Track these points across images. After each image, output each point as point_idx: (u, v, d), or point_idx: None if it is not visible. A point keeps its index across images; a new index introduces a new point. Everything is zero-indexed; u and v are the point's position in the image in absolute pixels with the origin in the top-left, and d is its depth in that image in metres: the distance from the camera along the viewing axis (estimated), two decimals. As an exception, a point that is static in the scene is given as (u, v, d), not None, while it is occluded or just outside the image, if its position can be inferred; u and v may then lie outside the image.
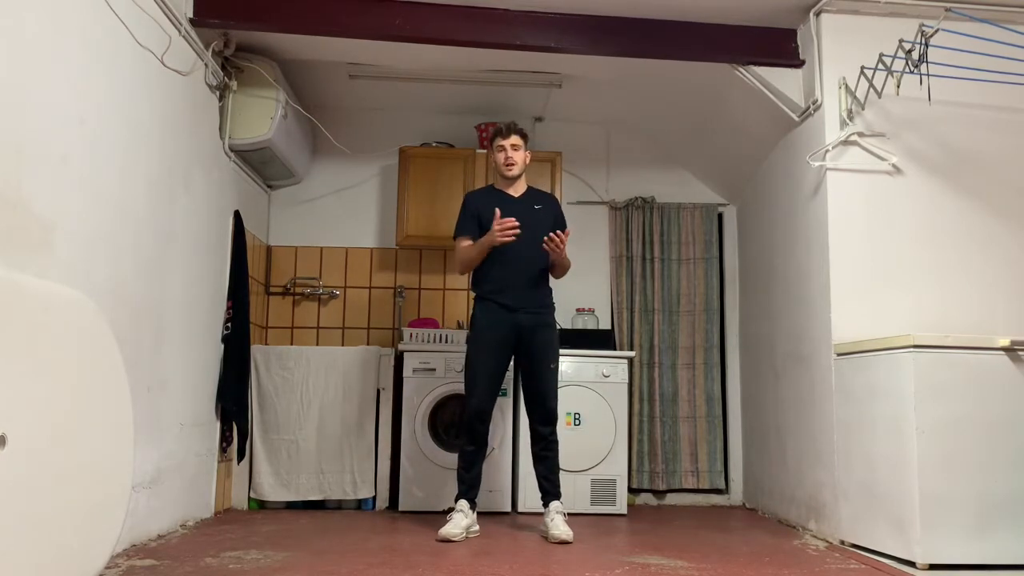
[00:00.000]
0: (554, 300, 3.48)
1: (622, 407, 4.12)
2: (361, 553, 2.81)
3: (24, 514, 1.74)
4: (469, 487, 3.32)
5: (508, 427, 4.02)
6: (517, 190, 3.46)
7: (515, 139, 3.38)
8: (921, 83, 3.20)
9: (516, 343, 3.36)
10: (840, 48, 3.51)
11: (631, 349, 4.65)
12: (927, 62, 3.09)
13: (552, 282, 3.53)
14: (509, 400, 4.03)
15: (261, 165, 4.20)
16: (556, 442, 3.36)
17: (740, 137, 4.33)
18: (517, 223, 3.21)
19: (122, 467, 2.18)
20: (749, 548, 3.14)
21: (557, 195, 4.46)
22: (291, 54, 3.89)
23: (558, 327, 4.51)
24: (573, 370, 4.12)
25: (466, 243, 3.41)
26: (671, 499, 4.67)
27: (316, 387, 4.08)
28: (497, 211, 3.24)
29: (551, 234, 3.23)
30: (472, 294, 3.51)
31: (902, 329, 3.25)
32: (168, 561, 2.59)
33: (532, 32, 3.63)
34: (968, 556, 2.76)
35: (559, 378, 4.04)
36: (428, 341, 4.22)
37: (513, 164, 3.38)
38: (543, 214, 3.42)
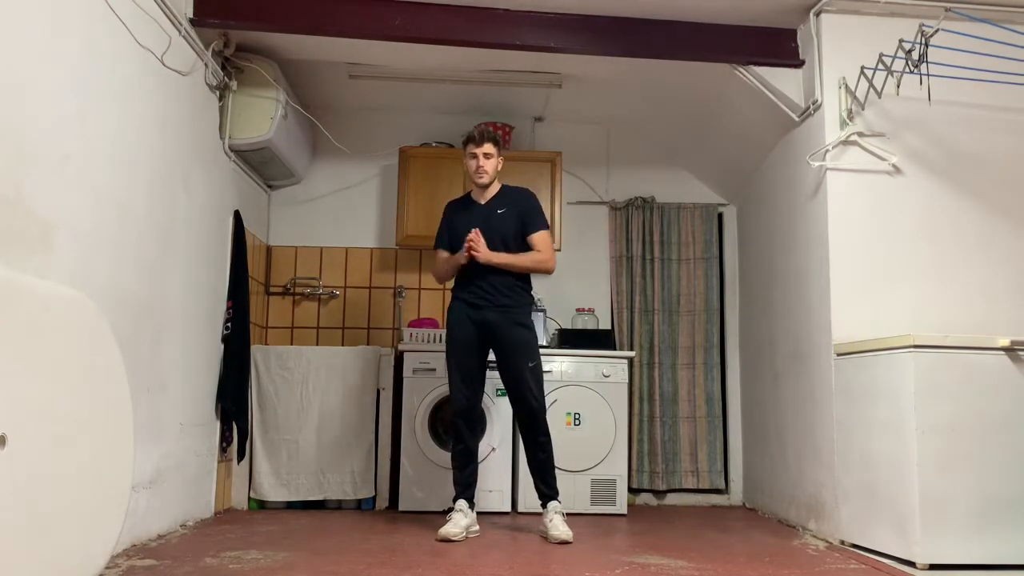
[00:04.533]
0: (532, 299, 3.47)
1: (622, 407, 4.12)
2: (361, 553, 2.81)
3: (24, 514, 1.74)
4: (465, 487, 3.31)
5: (508, 427, 4.01)
6: (486, 196, 3.46)
7: (488, 147, 3.36)
8: (921, 83, 3.20)
9: (488, 341, 3.36)
10: (840, 48, 3.51)
11: (631, 349, 4.64)
12: (927, 62, 3.09)
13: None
14: (508, 400, 4.02)
15: (261, 165, 4.20)
16: (547, 443, 3.32)
17: (740, 137, 4.33)
18: (473, 245, 3.27)
19: (122, 467, 2.18)
20: (749, 548, 3.14)
21: (557, 195, 4.47)
22: (291, 54, 3.89)
23: (557, 326, 4.56)
24: (573, 370, 4.12)
25: (444, 255, 3.49)
26: (671, 499, 4.66)
27: (316, 387, 4.07)
28: (473, 232, 3.29)
29: (468, 246, 3.27)
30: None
31: (902, 329, 3.24)
32: (168, 561, 2.59)
33: (532, 32, 3.63)
34: (968, 556, 2.76)
35: (559, 378, 4.06)
36: (428, 341, 4.22)
37: (483, 173, 3.38)
38: (506, 216, 3.39)
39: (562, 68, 4.05)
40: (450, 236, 3.47)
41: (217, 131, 3.70)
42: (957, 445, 2.81)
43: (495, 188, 3.48)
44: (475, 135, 3.38)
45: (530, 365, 3.32)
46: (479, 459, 3.48)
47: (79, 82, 2.44)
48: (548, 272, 3.48)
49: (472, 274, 3.36)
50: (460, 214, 3.48)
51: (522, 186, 3.57)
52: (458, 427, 3.31)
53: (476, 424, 3.36)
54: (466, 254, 3.30)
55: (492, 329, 3.33)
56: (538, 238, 3.40)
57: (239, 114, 3.78)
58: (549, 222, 3.58)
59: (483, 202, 3.45)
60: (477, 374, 3.36)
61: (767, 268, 4.28)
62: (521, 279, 3.42)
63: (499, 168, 3.43)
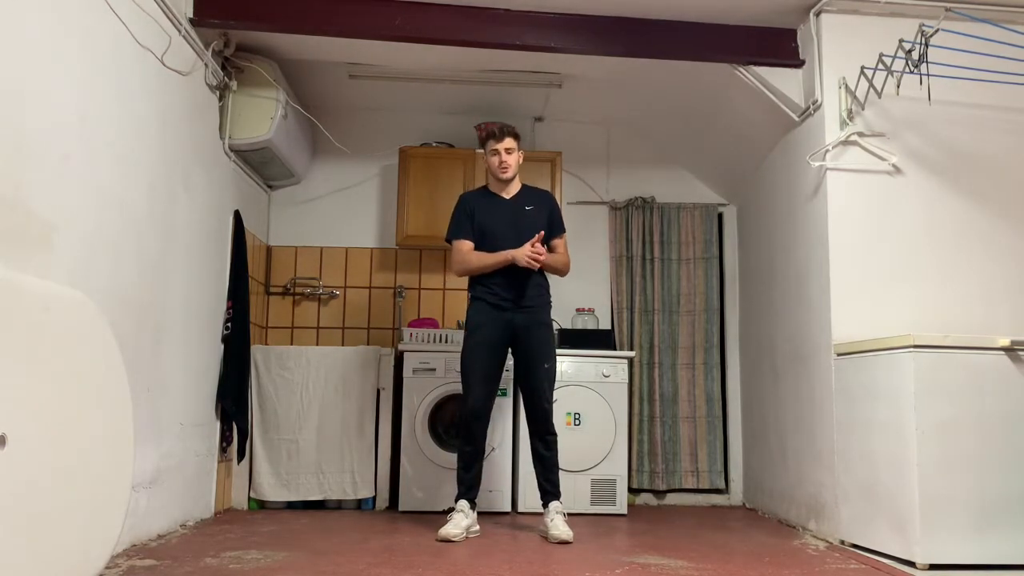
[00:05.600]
0: (551, 298, 3.48)
1: (622, 407, 4.12)
2: (361, 553, 2.81)
3: (24, 514, 1.74)
4: (468, 487, 3.32)
5: (508, 427, 4.02)
6: (510, 192, 3.46)
7: (509, 142, 3.37)
8: (921, 83, 3.20)
9: (511, 342, 3.36)
10: (840, 48, 3.51)
11: (631, 349, 4.65)
12: (927, 62, 3.09)
13: (553, 281, 3.53)
14: (509, 400, 4.03)
15: (261, 165, 4.20)
16: (554, 442, 3.36)
17: (740, 137, 4.33)
18: (543, 256, 3.26)
19: (122, 467, 2.18)
20: (749, 548, 3.14)
21: (557, 195, 4.46)
22: (291, 54, 3.89)
23: (557, 327, 4.55)
24: (573, 370, 4.12)
25: (467, 246, 3.41)
26: (671, 499, 4.66)
27: (316, 387, 4.07)
28: (540, 234, 3.27)
29: (529, 253, 3.23)
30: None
31: (902, 329, 3.24)
32: (168, 561, 2.59)
33: (532, 32, 3.63)
34: (968, 556, 2.76)
35: (559, 378, 4.05)
36: (428, 341, 4.22)
37: (507, 168, 3.38)
38: (535, 214, 3.41)
39: (562, 68, 4.05)
40: (476, 227, 3.41)
41: (217, 131, 3.70)
42: (957, 445, 2.81)
43: (517, 184, 3.48)
44: (495, 131, 3.39)
45: (545, 366, 3.34)
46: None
47: (79, 82, 2.44)
48: (565, 275, 3.56)
49: (499, 276, 3.34)
50: (485, 207, 3.43)
51: (541, 188, 3.60)
52: (470, 429, 3.30)
53: (487, 426, 3.37)
54: (526, 262, 3.25)
55: (518, 330, 3.34)
56: (563, 242, 3.50)
57: (239, 114, 3.78)
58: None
59: (507, 197, 3.45)
60: (495, 376, 3.35)
61: (767, 268, 4.28)
62: (545, 278, 3.45)
63: (520, 162, 3.44)
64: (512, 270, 3.33)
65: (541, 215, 3.42)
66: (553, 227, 3.46)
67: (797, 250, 3.81)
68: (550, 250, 3.46)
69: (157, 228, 3.03)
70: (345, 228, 4.78)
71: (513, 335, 3.35)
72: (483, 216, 3.41)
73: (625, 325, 4.73)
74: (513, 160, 3.39)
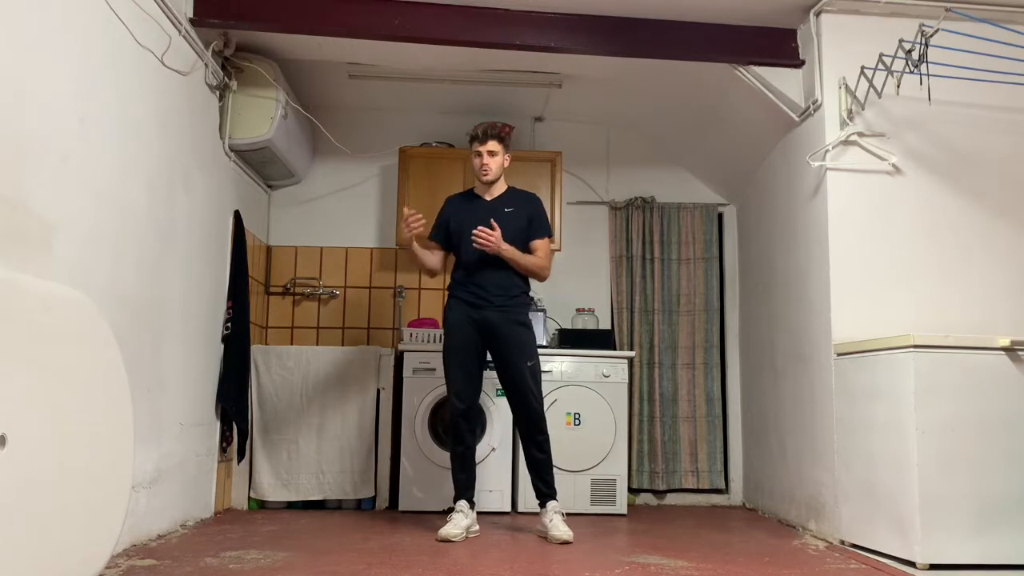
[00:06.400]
0: (530, 298, 3.46)
1: (622, 407, 4.12)
2: (361, 553, 2.81)
3: (24, 514, 1.74)
4: (465, 487, 3.31)
5: (508, 427, 4.01)
6: (492, 193, 3.45)
7: (491, 144, 3.36)
8: (921, 83, 3.20)
9: (486, 341, 3.35)
10: (840, 48, 3.51)
11: (631, 349, 4.64)
12: (927, 62, 3.09)
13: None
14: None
15: (261, 165, 4.20)
16: (546, 441, 3.32)
17: (740, 137, 4.33)
18: (416, 224, 3.23)
19: (122, 467, 2.18)
20: (749, 548, 3.15)
21: (557, 195, 4.46)
22: (291, 54, 3.89)
23: (557, 326, 4.56)
24: (573, 370, 4.12)
25: (430, 246, 3.49)
26: (671, 499, 4.67)
27: (316, 387, 4.08)
28: (405, 210, 3.31)
29: (477, 229, 3.23)
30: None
31: (902, 329, 3.24)
32: (168, 561, 2.59)
33: (532, 32, 3.63)
34: (968, 556, 2.76)
35: (559, 378, 4.06)
36: (428, 341, 4.22)
37: (488, 170, 3.37)
38: (514, 216, 3.38)
39: (562, 68, 4.05)
40: (450, 229, 3.45)
41: (217, 131, 3.70)
42: (957, 445, 2.81)
43: (501, 187, 3.47)
44: (478, 133, 3.38)
45: (528, 365, 3.31)
46: (479, 459, 3.47)
47: (79, 82, 2.44)
48: (541, 280, 3.50)
49: (472, 273, 3.35)
50: (463, 208, 3.45)
51: (529, 191, 3.57)
52: (458, 428, 3.30)
53: (476, 425, 3.35)
54: (405, 230, 3.24)
55: (492, 329, 3.32)
56: (542, 244, 3.43)
57: (239, 114, 3.78)
58: (550, 223, 3.57)
59: (489, 199, 3.44)
60: (476, 374, 3.35)
61: (767, 268, 4.28)
62: (521, 277, 3.42)
63: (505, 165, 3.42)
64: (481, 268, 3.32)
65: (520, 218, 3.39)
66: (532, 228, 3.42)
67: (797, 250, 3.81)
68: (528, 251, 3.40)
69: (157, 228, 3.03)
70: (345, 228, 4.78)
71: (487, 334, 3.33)
72: (459, 218, 3.42)
73: (625, 325, 4.73)
74: (495, 163, 3.37)
